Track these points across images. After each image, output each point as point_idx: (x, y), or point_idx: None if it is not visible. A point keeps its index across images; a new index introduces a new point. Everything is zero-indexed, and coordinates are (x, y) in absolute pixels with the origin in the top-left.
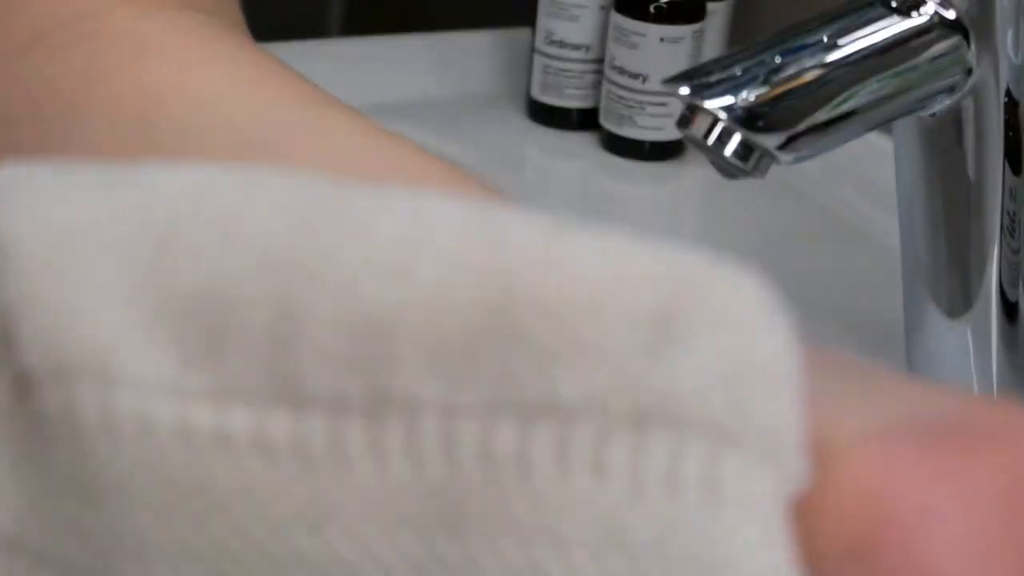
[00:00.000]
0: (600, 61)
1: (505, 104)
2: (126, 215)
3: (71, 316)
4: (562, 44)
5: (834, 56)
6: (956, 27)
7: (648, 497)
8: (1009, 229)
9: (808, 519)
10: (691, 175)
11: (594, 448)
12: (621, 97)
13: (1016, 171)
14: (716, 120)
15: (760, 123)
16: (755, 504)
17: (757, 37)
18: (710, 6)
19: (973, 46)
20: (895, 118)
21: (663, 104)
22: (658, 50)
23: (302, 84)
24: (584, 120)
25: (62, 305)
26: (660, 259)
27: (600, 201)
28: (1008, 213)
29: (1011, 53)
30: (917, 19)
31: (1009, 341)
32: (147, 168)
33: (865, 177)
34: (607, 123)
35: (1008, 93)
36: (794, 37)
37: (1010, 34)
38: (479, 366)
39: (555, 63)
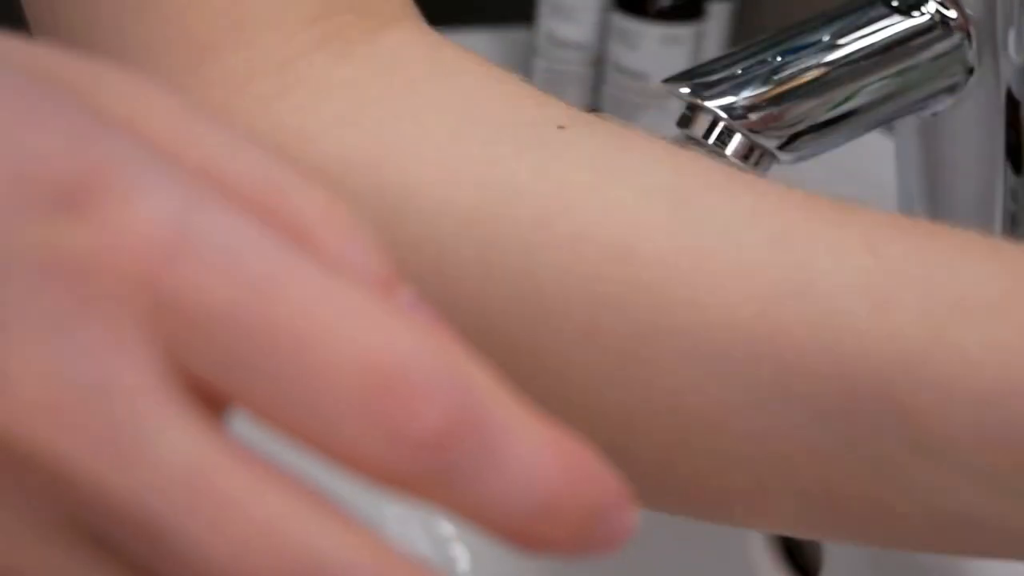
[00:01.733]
0: (600, 61)
1: None
2: None
3: None
4: (562, 44)
5: (834, 56)
6: (957, 27)
7: None
8: (1010, 229)
9: None
10: None
11: None
12: (621, 97)
13: (1016, 171)
14: (716, 120)
15: (760, 123)
16: None
17: (757, 37)
18: (710, 6)
19: (974, 46)
20: (895, 118)
21: (663, 104)
22: (658, 50)
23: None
24: None
25: None
26: None
27: None
28: (1009, 213)
29: (1012, 53)
30: (918, 18)
31: None
32: None
33: (865, 177)
34: None
35: (1008, 93)
36: (794, 37)
37: (1011, 34)
38: None
39: (555, 63)
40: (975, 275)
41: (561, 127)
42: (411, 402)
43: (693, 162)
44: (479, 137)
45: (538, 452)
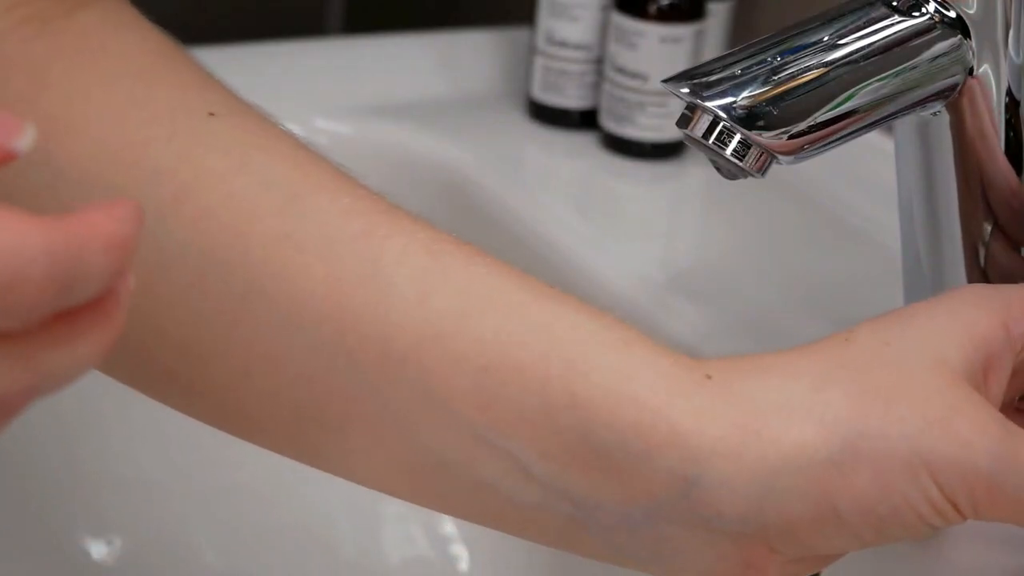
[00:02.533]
0: (600, 61)
1: (505, 104)
2: None
3: None
4: (562, 44)
5: (834, 56)
6: (957, 26)
7: None
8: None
9: None
10: (691, 175)
11: None
12: (621, 97)
13: (1017, 171)
14: (716, 120)
15: (760, 123)
16: None
17: (757, 37)
18: (710, 6)
19: (974, 46)
20: (895, 118)
21: (663, 104)
22: (658, 50)
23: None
24: (584, 120)
25: None
26: None
27: (600, 201)
28: None
29: (1012, 53)
30: (918, 18)
31: None
32: None
33: (865, 177)
34: (607, 123)
35: (1008, 93)
36: (794, 37)
37: (1011, 34)
38: None
39: (555, 63)
40: (506, 284)
41: (212, 114)
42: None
43: (310, 162)
44: (139, 118)
45: None
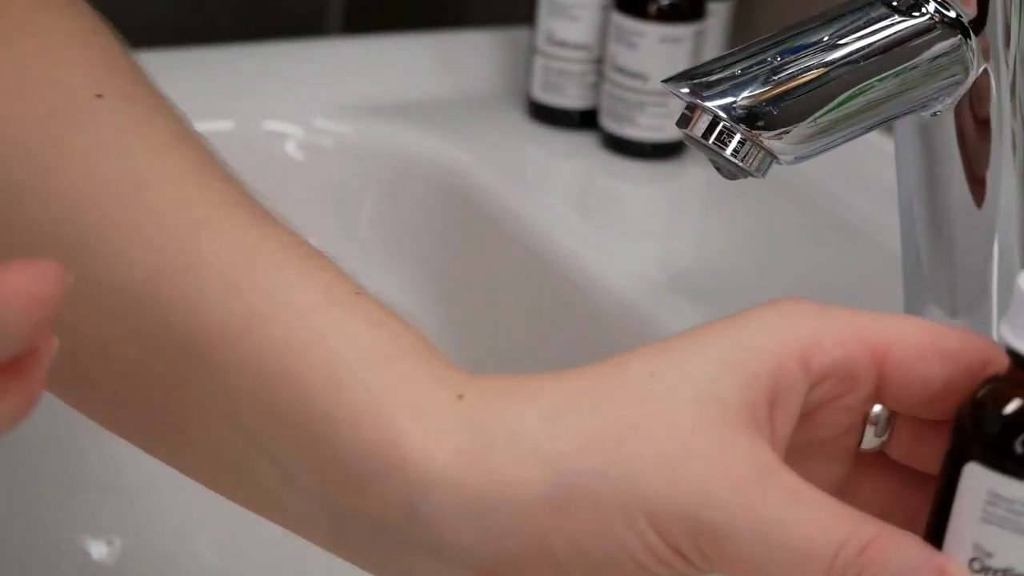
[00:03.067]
0: (600, 61)
1: (505, 104)
2: None
3: None
4: (562, 44)
5: (834, 56)
6: (957, 26)
7: None
8: None
9: None
10: (691, 175)
11: None
12: (621, 97)
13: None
14: (716, 120)
15: (760, 123)
16: None
17: (757, 37)
18: (710, 6)
19: (974, 46)
20: (895, 118)
21: (663, 104)
22: (658, 50)
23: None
24: (584, 120)
25: None
26: None
27: (600, 201)
28: None
29: (1012, 53)
30: (918, 19)
31: None
32: None
33: (865, 177)
34: (607, 123)
35: (1009, 92)
36: (794, 37)
37: (1011, 34)
38: None
39: (555, 63)
40: (306, 289)
41: (99, 96)
42: None
43: (174, 152)
44: (30, 96)
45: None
